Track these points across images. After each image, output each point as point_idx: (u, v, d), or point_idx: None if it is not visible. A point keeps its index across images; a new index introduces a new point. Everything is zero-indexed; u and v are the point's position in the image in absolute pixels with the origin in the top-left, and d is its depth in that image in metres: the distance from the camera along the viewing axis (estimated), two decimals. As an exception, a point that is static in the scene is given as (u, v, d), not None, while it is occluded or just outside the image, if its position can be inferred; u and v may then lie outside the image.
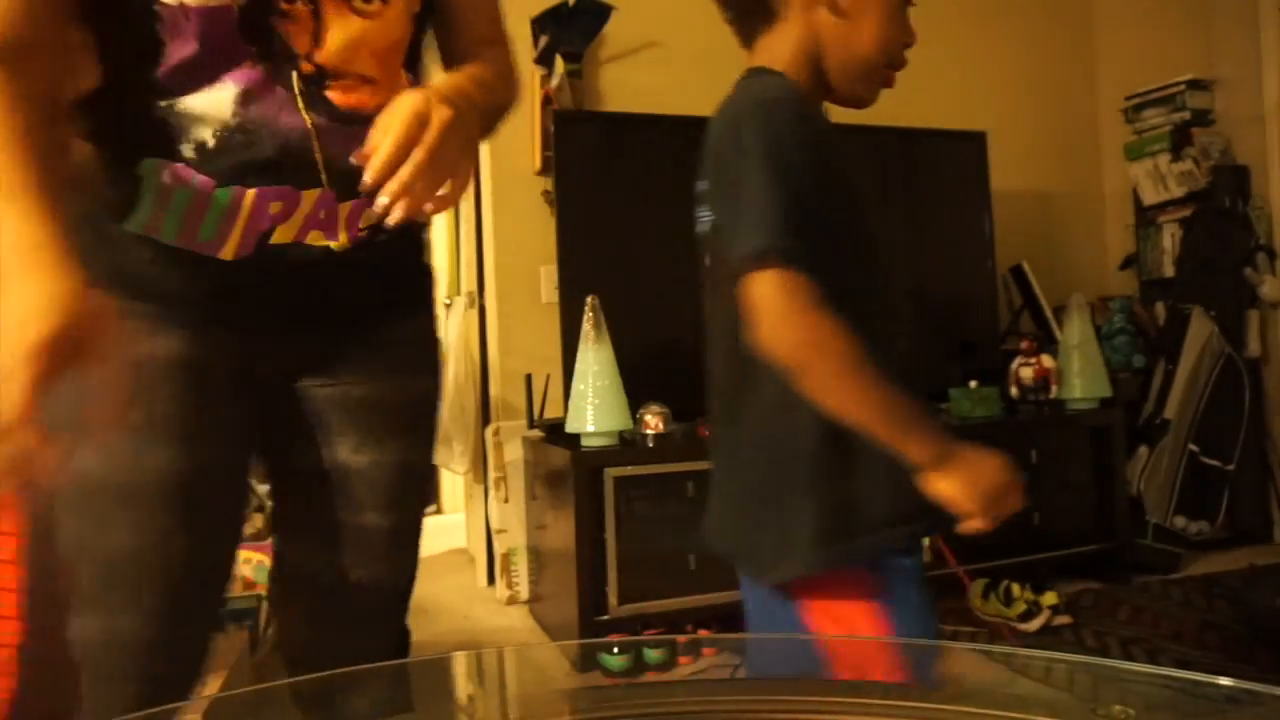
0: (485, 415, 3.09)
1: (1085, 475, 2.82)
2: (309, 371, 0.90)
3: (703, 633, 2.36)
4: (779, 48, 1.01)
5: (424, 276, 0.99)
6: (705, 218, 1.00)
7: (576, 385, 2.37)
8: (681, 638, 2.30)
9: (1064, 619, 2.38)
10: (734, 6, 1.06)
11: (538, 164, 3.00)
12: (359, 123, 0.77)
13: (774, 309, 0.85)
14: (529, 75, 3.03)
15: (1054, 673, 0.68)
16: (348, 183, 0.79)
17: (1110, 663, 1.37)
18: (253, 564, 2.10)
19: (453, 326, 3.21)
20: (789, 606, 0.98)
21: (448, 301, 3.50)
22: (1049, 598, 2.38)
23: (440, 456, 3.21)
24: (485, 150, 3.07)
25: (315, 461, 0.91)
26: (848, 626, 0.93)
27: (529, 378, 2.75)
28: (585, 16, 2.96)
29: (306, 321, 0.89)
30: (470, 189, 3.15)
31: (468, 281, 3.27)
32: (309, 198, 0.82)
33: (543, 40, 2.99)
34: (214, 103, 0.77)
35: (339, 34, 0.80)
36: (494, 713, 0.85)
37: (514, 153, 3.04)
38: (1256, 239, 3.30)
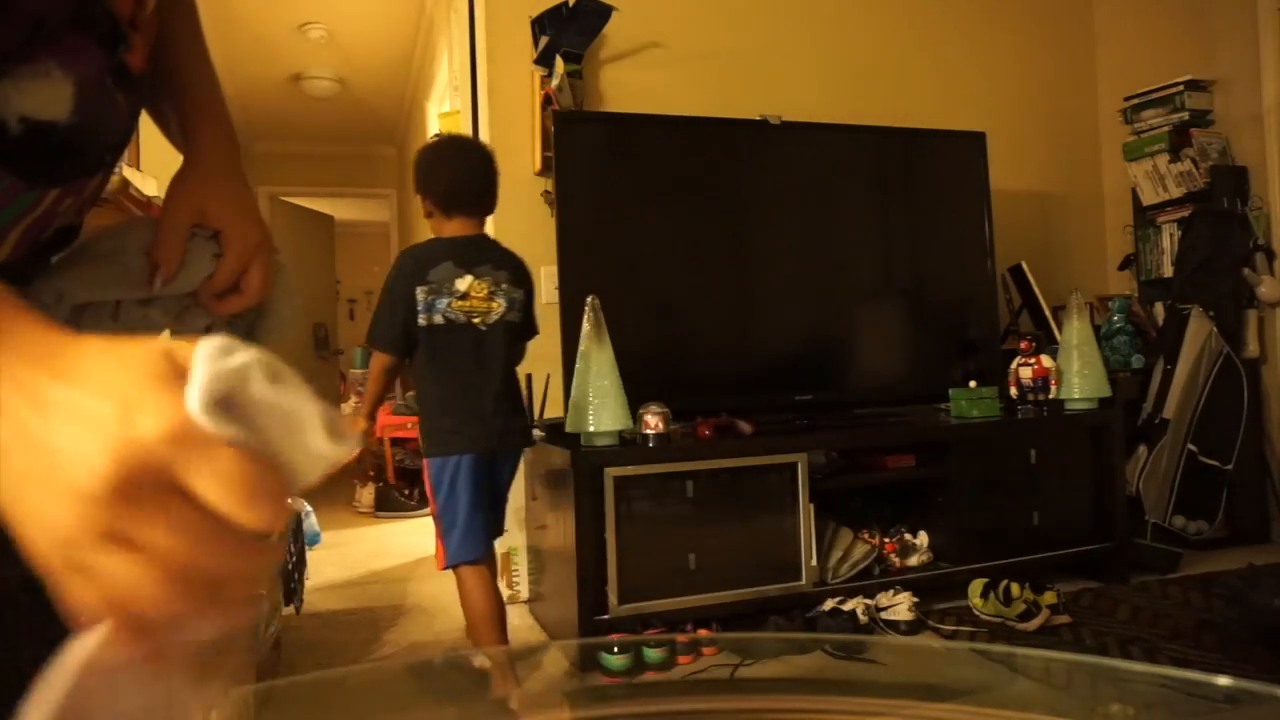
0: (485, 415, 3.09)
1: (1084, 475, 2.82)
2: None
3: (703, 632, 2.36)
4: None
5: None
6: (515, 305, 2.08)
7: (576, 385, 2.37)
8: (681, 637, 2.30)
9: (1063, 618, 2.38)
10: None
11: (538, 164, 3.00)
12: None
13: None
14: (529, 75, 3.04)
15: (1053, 672, 0.68)
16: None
17: (1109, 662, 1.37)
18: (253, 564, 2.10)
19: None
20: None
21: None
22: (1048, 597, 2.38)
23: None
24: (485, 150, 3.08)
25: None
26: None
27: (529, 378, 2.75)
28: (585, 16, 2.96)
29: None
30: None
31: (467, 281, 3.27)
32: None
33: (543, 40, 3.00)
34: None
35: None
36: (494, 713, 0.85)
37: (514, 153, 3.04)
38: (1255, 239, 3.30)
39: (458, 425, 1.99)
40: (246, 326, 0.74)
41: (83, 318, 0.66)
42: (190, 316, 0.70)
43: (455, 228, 2.06)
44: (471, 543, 1.97)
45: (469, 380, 1.99)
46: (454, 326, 1.98)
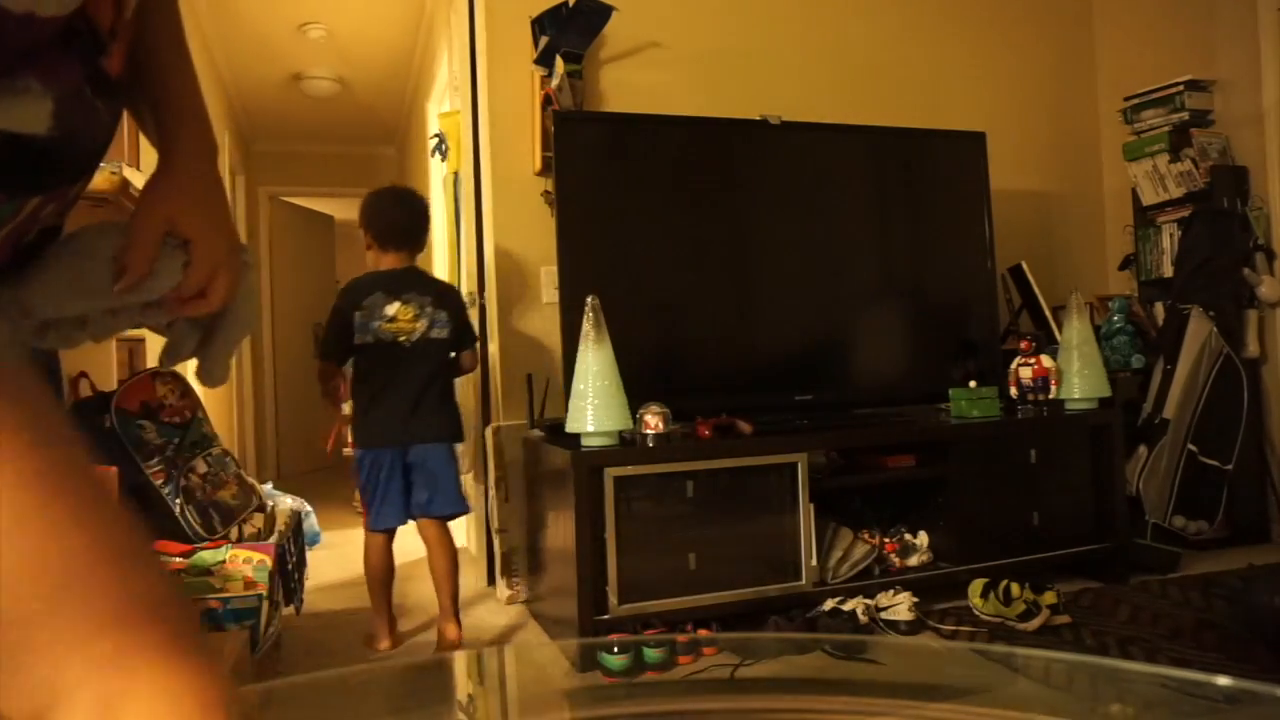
0: (485, 415, 3.09)
1: (1084, 475, 2.82)
2: None
3: (702, 632, 2.36)
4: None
5: None
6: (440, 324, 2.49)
7: (576, 385, 2.37)
8: (681, 637, 2.30)
9: (1063, 618, 2.38)
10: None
11: (538, 164, 3.00)
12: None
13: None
14: (529, 75, 3.04)
15: (1053, 672, 0.68)
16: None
17: (1109, 662, 1.37)
18: (253, 564, 2.10)
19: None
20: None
21: (447, 301, 3.50)
22: (1048, 597, 2.38)
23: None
24: (485, 150, 3.08)
25: None
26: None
27: (529, 378, 2.76)
28: (585, 16, 2.96)
29: None
30: (471, 189, 3.15)
31: (468, 281, 3.27)
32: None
33: (543, 41, 3.00)
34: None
35: None
36: (494, 712, 0.85)
37: (514, 153, 3.05)
38: (1255, 239, 3.30)
39: (379, 424, 2.45)
40: (207, 324, 0.76)
41: (49, 331, 0.67)
42: (152, 313, 0.72)
43: (389, 261, 2.51)
44: (383, 519, 2.46)
45: (390, 387, 2.43)
46: (381, 344, 2.43)
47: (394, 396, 2.43)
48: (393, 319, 2.42)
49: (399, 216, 2.53)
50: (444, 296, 2.52)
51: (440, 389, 2.50)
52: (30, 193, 0.62)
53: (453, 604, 2.46)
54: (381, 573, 2.51)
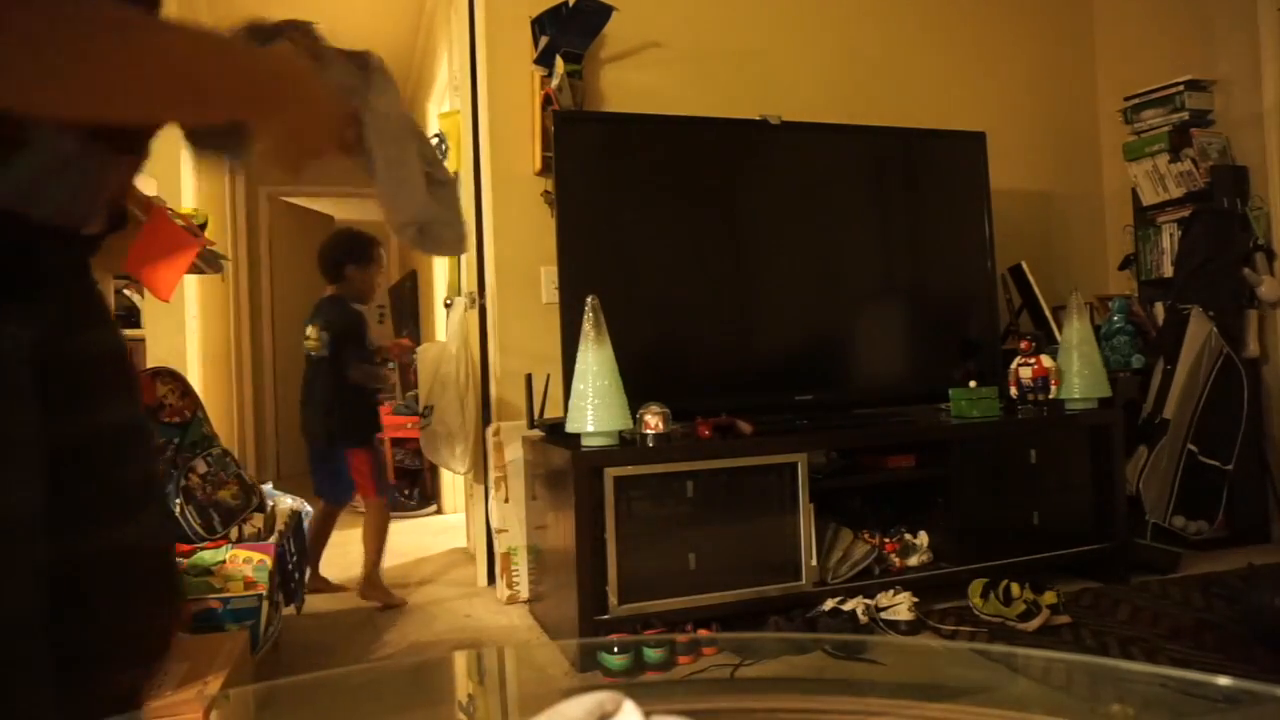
0: (485, 415, 3.09)
1: (1084, 475, 2.82)
2: None
3: (702, 632, 2.36)
4: None
5: None
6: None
7: (576, 385, 2.37)
8: (681, 637, 2.30)
9: (1063, 618, 2.38)
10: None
11: (538, 164, 3.00)
12: None
13: None
14: (529, 75, 3.04)
15: (1053, 672, 0.68)
16: None
17: (1109, 662, 1.37)
18: (253, 564, 2.10)
19: (453, 326, 3.21)
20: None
21: (448, 302, 3.50)
22: (1048, 597, 2.38)
23: (440, 456, 3.21)
24: (485, 150, 3.08)
25: None
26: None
27: (529, 378, 2.76)
28: (585, 16, 2.96)
29: None
30: (471, 189, 3.15)
31: (468, 282, 3.27)
32: None
33: (543, 40, 3.00)
34: None
35: None
36: (494, 712, 0.85)
37: (514, 153, 3.05)
38: (1255, 239, 3.30)
39: (308, 422, 3.14)
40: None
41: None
42: None
43: (326, 290, 3.16)
44: (320, 492, 3.15)
45: (306, 395, 3.14)
46: (309, 359, 3.09)
47: (306, 401, 3.13)
48: (307, 338, 3.08)
49: (319, 253, 3.18)
50: (327, 320, 3.06)
51: (338, 395, 3.02)
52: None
53: (372, 568, 3.03)
54: (315, 534, 3.09)
